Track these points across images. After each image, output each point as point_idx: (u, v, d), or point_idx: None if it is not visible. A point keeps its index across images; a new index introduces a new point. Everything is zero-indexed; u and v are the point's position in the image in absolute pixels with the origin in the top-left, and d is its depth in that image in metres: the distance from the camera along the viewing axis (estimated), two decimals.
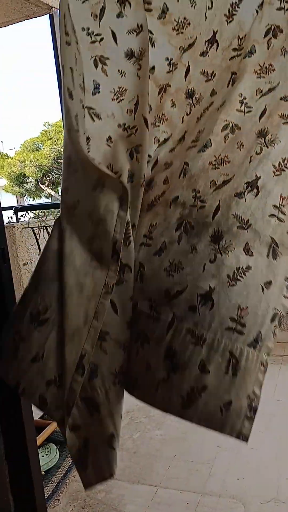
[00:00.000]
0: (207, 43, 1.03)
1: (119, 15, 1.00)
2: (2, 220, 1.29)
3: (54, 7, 3.96)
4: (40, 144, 20.37)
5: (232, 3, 1.00)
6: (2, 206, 1.29)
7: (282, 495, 1.65)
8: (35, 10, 3.93)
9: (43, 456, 1.93)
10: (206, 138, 0.98)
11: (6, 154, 22.31)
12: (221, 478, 1.78)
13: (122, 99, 1.03)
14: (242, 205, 0.90)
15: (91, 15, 0.98)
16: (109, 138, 1.03)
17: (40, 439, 1.84)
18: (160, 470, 1.87)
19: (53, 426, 1.96)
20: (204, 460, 1.90)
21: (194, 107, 1.06)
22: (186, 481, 1.79)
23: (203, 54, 1.03)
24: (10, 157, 21.41)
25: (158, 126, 1.07)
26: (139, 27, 1.01)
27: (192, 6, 1.01)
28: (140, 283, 1.01)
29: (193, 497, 1.69)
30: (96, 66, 1.00)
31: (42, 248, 3.98)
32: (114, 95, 1.02)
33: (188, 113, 1.06)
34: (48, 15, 4.04)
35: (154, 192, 1.05)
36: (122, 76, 1.02)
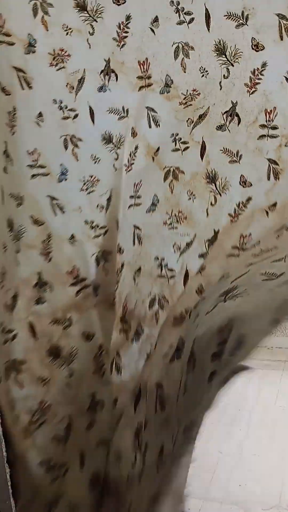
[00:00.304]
0: (225, 116, 0.86)
1: (101, 89, 0.84)
2: None
3: None
4: None
5: (254, 70, 0.83)
6: None
7: (285, 502, 1.66)
8: None
9: None
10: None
11: None
12: (223, 484, 1.79)
13: (93, 191, 0.88)
14: (278, 265, 0.74)
15: (67, 85, 0.82)
16: (73, 236, 0.88)
17: None
18: None
19: None
20: (206, 466, 1.91)
21: (220, 195, 0.88)
22: (188, 487, 1.79)
23: (221, 128, 0.87)
24: None
25: (176, 228, 0.90)
26: (124, 111, 0.85)
27: (203, 76, 0.84)
28: (161, 413, 0.80)
29: (194, 503, 1.70)
30: (66, 147, 0.85)
31: None
32: (84, 184, 0.88)
33: (213, 203, 0.89)
34: None
35: (183, 304, 0.87)
36: (95, 162, 0.87)
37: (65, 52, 0.81)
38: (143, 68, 0.84)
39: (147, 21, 0.82)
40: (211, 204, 0.88)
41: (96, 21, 0.80)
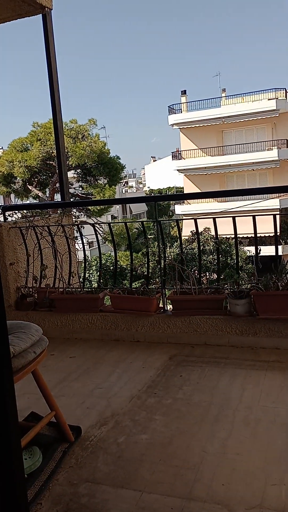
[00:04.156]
0: None
1: None
2: None
3: (47, 7, 3.96)
4: (28, 144, 20.29)
5: None
6: None
7: (267, 502, 1.65)
8: (27, 9, 3.93)
9: (26, 459, 1.89)
10: None
11: None
12: (207, 483, 1.76)
13: None
14: None
15: None
16: None
17: (23, 441, 1.80)
18: (145, 474, 1.85)
19: (37, 428, 1.93)
20: (189, 465, 1.89)
21: None
22: (171, 486, 1.77)
23: None
24: None
25: None
26: None
27: None
28: None
29: (177, 502, 1.67)
30: None
31: (29, 248, 3.94)
32: None
33: None
34: (41, 14, 4.03)
35: None
36: None
37: None
38: None
39: None
40: None
41: None
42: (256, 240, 3.50)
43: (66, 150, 16.01)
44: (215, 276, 3.94)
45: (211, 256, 13.79)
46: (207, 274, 12.93)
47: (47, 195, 21.44)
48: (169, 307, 3.59)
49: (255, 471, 1.82)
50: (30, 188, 21.13)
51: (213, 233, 3.65)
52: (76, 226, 4.29)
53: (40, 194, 21.35)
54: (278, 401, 2.37)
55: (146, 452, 2.01)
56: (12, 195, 22.25)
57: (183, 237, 3.93)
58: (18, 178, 20.51)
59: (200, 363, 2.98)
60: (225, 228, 3.79)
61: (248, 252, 16.19)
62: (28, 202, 20.84)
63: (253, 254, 3.51)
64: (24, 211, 4.32)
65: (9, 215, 4.29)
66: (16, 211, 4.33)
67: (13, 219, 4.23)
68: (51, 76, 4.13)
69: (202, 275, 4.12)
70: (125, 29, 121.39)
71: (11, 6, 3.87)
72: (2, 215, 4.23)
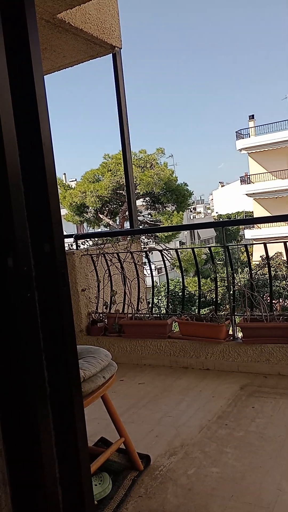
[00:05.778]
0: None
1: None
2: (64, 244, 1.34)
3: (116, 47, 4.19)
4: (100, 175, 21.22)
5: None
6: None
7: None
8: (99, 50, 4.19)
9: (96, 485, 1.90)
10: None
11: (68, 185, 23.43)
12: None
13: None
14: None
15: None
16: None
17: (93, 466, 1.82)
18: (216, 510, 1.77)
19: (107, 454, 1.93)
20: (263, 503, 1.78)
21: None
22: None
23: None
24: (71, 188, 22.49)
25: None
26: None
27: None
28: None
29: None
30: None
31: (99, 275, 4.06)
32: None
33: None
34: (111, 54, 4.28)
35: None
36: None
37: None
38: None
39: None
40: None
41: None
42: None
43: (134, 179, 16.54)
44: None
45: (284, 281, 13.22)
46: (280, 300, 12.39)
47: (118, 223, 22.10)
48: (239, 334, 3.48)
49: None
50: (101, 217, 21.93)
51: (285, 257, 3.52)
52: (144, 252, 4.36)
53: (110, 222, 22.06)
54: None
55: (217, 487, 1.93)
56: (85, 224, 23.21)
57: (254, 262, 3.83)
58: (90, 207, 21.44)
59: (273, 395, 2.83)
60: None
61: None
62: (99, 230, 21.67)
63: None
64: (95, 238, 4.48)
65: (81, 243, 4.47)
66: (88, 239, 4.51)
67: (85, 246, 4.40)
68: (120, 110, 4.34)
69: (274, 301, 3.96)
70: (192, 55, 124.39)
71: (84, 49, 4.16)
72: (75, 243, 4.42)
